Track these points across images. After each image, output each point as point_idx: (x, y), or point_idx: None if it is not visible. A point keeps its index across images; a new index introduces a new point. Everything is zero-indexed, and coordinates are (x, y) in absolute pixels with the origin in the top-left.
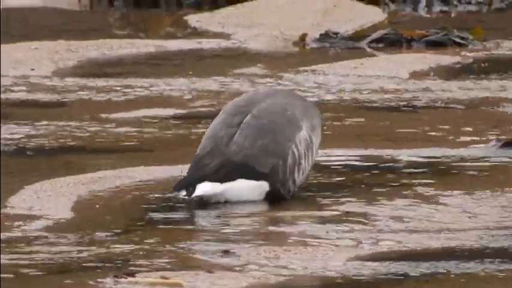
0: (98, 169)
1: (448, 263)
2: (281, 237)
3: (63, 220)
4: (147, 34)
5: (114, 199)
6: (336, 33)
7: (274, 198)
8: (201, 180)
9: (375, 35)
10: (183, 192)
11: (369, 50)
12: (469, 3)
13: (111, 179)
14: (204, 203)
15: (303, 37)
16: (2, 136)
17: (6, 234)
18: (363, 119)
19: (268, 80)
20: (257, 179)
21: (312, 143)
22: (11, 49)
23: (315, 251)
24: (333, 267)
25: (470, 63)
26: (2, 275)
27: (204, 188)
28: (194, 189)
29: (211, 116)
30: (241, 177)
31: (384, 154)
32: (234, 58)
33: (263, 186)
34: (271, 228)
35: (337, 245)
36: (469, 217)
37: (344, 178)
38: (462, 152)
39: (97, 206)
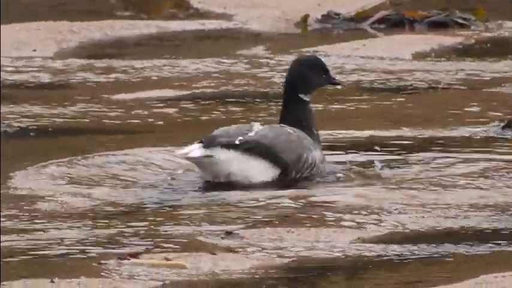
0: (101, 150)
1: (450, 244)
2: (284, 219)
3: (66, 201)
4: (149, 15)
5: (117, 180)
6: (338, 14)
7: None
8: (227, 145)
9: (377, 16)
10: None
11: (371, 31)
12: None
13: (115, 160)
14: (208, 184)
15: (305, 18)
16: (4, 117)
17: (10, 214)
18: (365, 100)
19: (270, 61)
20: (277, 165)
21: (323, 163)
22: (14, 30)
23: (317, 233)
24: (335, 249)
25: (472, 44)
26: (4, 257)
27: (223, 153)
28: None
29: (213, 97)
30: (264, 158)
31: (386, 135)
32: (236, 39)
33: (275, 172)
34: (274, 210)
35: (339, 227)
36: (472, 198)
37: (346, 160)
38: (465, 132)
39: (100, 187)
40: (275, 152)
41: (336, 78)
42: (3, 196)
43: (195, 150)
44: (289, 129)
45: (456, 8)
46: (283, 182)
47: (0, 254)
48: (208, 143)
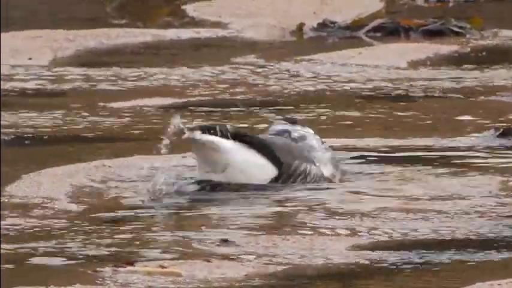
0: (96, 158)
1: (447, 252)
2: (280, 226)
3: (61, 209)
4: (145, 23)
5: (112, 188)
6: (334, 23)
7: (275, 183)
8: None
9: (372, 24)
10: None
11: (366, 39)
12: None
13: (109, 168)
14: (203, 191)
15: (300, 26)
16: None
17: (5, 223)
18: (360, 109)
19: (265, 69)
20: (272, 161)
21: (321, 179)
22: (9, 37)
23: (313, 240)
24: (331, 256)
25: (468, 53)
26: (1, 265)
27: (219, 140)
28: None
29: (209, 105)
30: (259, 152)
31: (381, 144)
32: (231, 47)
33: (271, 171)
34: (270, 217)
35: (335, 234)
36: (467, 206)
37: (341, 168)
38: (460, 141)
39: (96, 195)
40: (272, 150)
41: None
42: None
43: (200, 135)
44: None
45: (452, 17)
46: (278, 189)
47: (0, 262)
48: (210, 131)
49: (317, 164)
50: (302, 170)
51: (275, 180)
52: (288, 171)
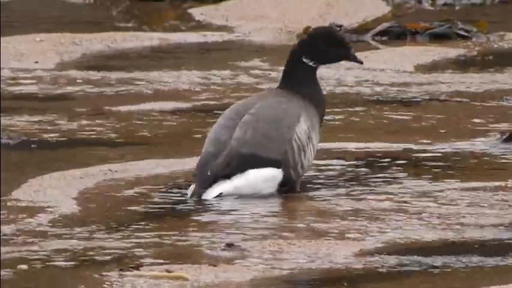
0: (102, 162)
1: (450, 256)
2: (285, 230)
3: (67, 213)
4: (151, 27)
5: (118, 192)
6: (340, 26)
7: (286, 187)
8: (213, 180)
9: (379, 28)
10: (196, 196)
11: (373, 43)
12: None
13: (115, 173)
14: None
15: (306, 30)
16: (5, 129)
17: (11, 227)
18: (366, 112)
19: (271, 73)
20: (268, 166)
21: (311, 138)
22: (15, 41)
23: (319, 244)
24: (337, 260)
25: (474, 56)
26: (4, 270)
27: (218, 189)
28: (207, 190)
29: (215, 109)
30: (252, 168)
31: (387, 147)
32: (238, 51)
33: (276, 175)
34: (275, 221)
35: (341, 239)
36: (472, 211)
37: (347, 171)
38: (466, 145)
39: (102, 199)
40: (261, 157)
41: (356, 56)
42: (5, 208)
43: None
44: (271, 103)
45: (458, 20)
46: (285, 192)
47: (0, 265)
48: (201, 185)
49: None
50: (299, 145)
51: (286, 179)
52: (291, 158)
